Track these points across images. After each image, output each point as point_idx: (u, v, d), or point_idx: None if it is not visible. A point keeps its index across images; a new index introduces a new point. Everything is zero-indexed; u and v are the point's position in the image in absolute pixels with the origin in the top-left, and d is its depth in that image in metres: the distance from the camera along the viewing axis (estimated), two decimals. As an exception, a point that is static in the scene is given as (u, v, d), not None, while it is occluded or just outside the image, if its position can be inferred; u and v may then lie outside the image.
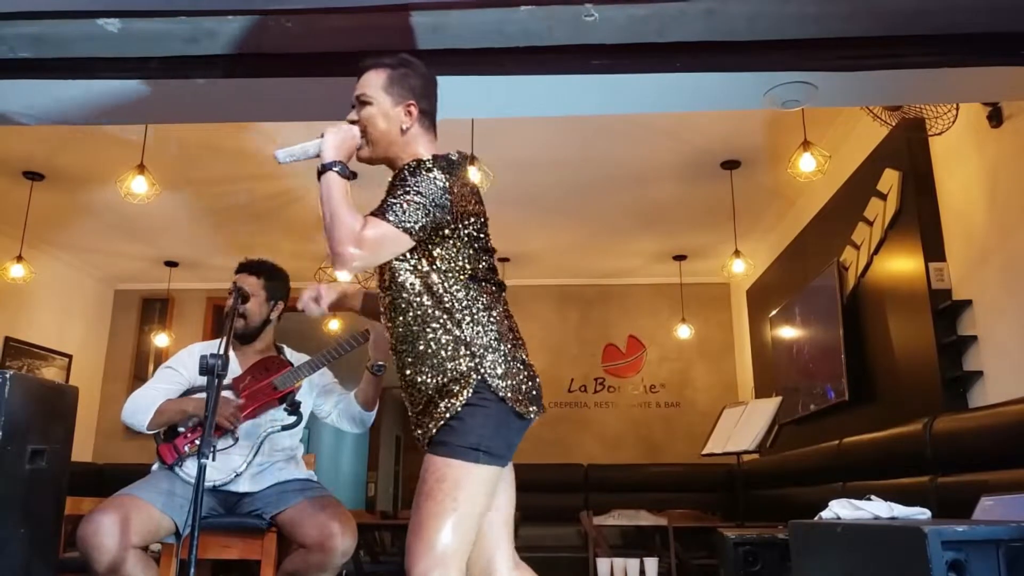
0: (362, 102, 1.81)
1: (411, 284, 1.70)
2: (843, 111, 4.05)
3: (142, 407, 2.57)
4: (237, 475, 2.55)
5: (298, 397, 2.70)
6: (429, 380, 1.68)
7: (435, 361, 1.67)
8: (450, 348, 1.66)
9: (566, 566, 4.83)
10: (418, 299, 1.70)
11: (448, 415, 1.63)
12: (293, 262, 6.22)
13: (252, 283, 2.76)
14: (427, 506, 1.56)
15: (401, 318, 1.72)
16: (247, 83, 2.57)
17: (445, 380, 1.66)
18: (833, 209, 4.58)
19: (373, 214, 1.66)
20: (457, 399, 1.63)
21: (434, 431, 1.64)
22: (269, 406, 2.64)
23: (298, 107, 2.78)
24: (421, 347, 1.69)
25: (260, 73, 2.49)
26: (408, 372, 1.72)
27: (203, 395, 2.58)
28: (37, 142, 4.48)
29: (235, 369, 2.67)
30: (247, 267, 2.82)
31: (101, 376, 7.08)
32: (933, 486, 2.79)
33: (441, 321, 1.68)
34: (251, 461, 2.57)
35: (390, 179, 1.81)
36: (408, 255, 1.70)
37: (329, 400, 2.81)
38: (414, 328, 1.70)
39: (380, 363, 2.66)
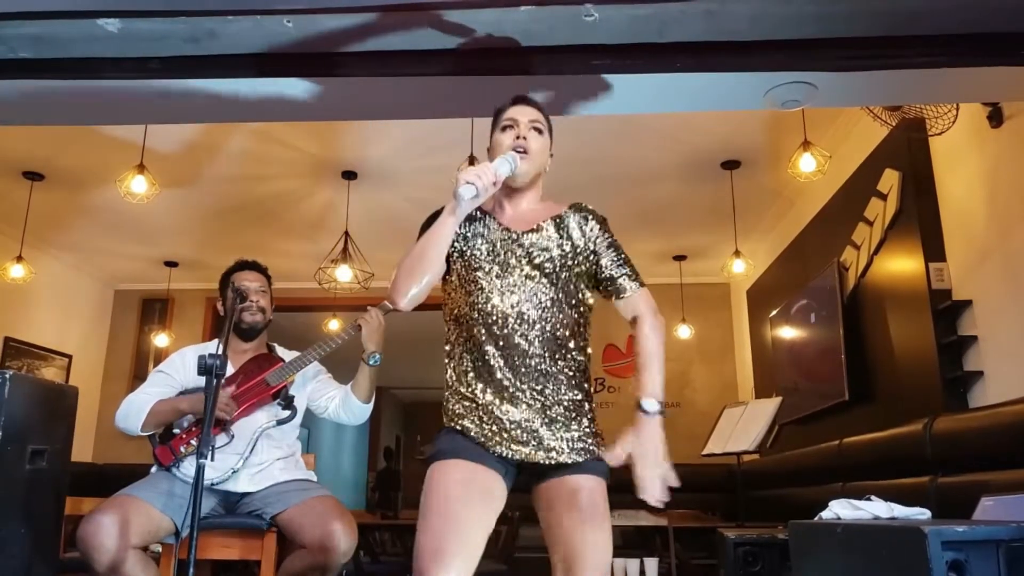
0: (539, 130, 1.87)
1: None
2: (843, 111, 4.06)
3: (135, 410, 2.57)
4: (234, 472, 2.55)
5: (292, 391, 2.70)
6: None
7: None
8: None
9: (566, 566, 4.81)
10: None
11: None
12: (293, 262, 6.28)
13: (261, 280, 2.79)
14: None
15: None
16: (247, 83, 2.57)
17: None
18: (833, 209, 4.58)
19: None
20: None
21: None
22: (263, 403, 2.65)
23: (298, 107, 2.78)
24: None
25: (260, 73, 2.50)
26: None
27: (197, 393, 2.58)
28: (37, 142, 4.48)
29: (228, 369, 2.67)
30: (251, 266, 2.82)
31: (101, 376, 7.08)
32: (933, 486, 2.79)
33: None
34: (247, 458, 2.57)
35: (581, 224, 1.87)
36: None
37: (325, 394, 2.81)
38: None
39: (375, 354, 2.66)
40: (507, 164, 1.75)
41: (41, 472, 2.43)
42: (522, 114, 1.87)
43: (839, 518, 2.13)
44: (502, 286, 1.77)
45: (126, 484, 2.48)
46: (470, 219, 1.83)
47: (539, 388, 1.73)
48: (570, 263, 1.82)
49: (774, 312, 5.47)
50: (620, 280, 1.86)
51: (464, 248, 1.83)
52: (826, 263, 4.53)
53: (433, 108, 2.88)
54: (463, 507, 1.60)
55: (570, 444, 1.73)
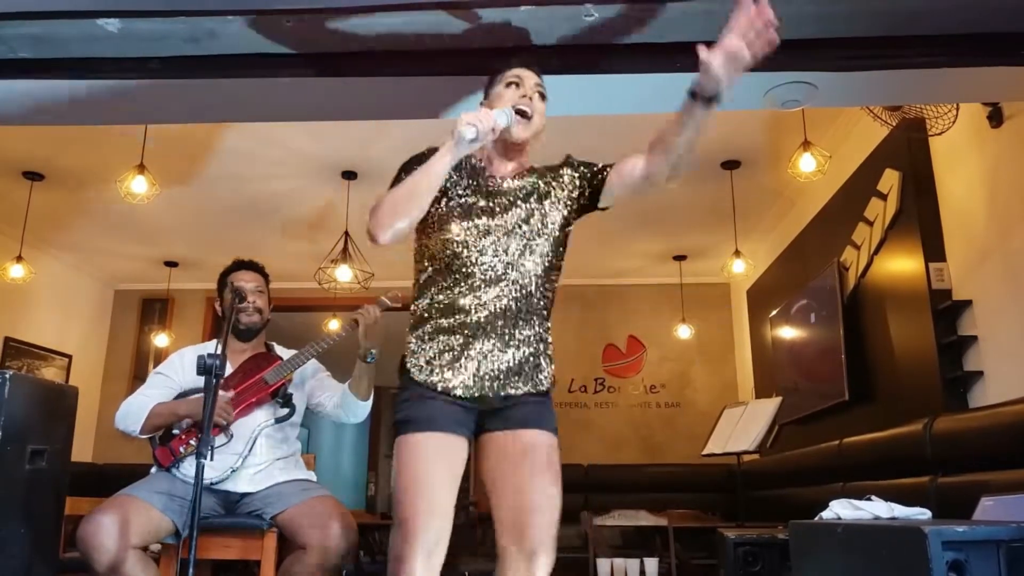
0: (543, 96, 1.90)
1: None
2: (843, 111, 4.05)
3: (134, 413, 2.57)
4: (233, 471, 2.55)
5: (290, 390, 2.70)
6: None
7: None
8: None
9: (566, 566, 4.79)
10: None
11: None
12: (293, 262, 6.28)
13: (259, 280, 2.78)
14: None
15: None
16: (247, 83, 2.57)
17: None
18: (833, 209, 4.58)
19: None
20: None
21: None
22: (262, 401, 2.64)
23: (299, 107, 2.78)
24: None
25: (260, 73, 2.49)
26: None
27: (195, 397, 2.58)
28: (37, 142, 4.48)
29: (226, 368, 2.67)
30: (249, 265, 2.82)
31: (101, 376, 7.08)
32: (933, 486, 2.79)
33: None
34: (246, 457, 2.57)
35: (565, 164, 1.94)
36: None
37: (324, 392, 2.81)
38: None
39: (371, 351, 2.66)
40: (505, 116, 1.77)
41: (41, 472, 2.43)
42: (528, 76, 1.90)
43: (839, 518, 2.13)
44: (482, 229, 1.80)
45: (126, 484, 2.48)
46: (456, 165, 1.83)
47: (512, 329, 1.77)
48: (549, 208, 1.87)
49: (774, 312, 5.47)
50: (598, 170, 1.90)
51: (448, 187, 1.84)
52: (826, 263, 4.53)
53: (433, 108, 2.88)
54: (437, 483, 1.67)
55: (535, 385, 1.79)
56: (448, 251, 1.80)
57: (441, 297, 1.79)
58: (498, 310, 1.77)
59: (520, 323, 1.79)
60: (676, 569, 4.32)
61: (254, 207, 5.44)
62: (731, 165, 4.72)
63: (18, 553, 2.30)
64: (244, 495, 2.59)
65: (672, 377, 6.91)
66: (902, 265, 3.68)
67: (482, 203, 1.84)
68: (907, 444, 3.06)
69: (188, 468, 2.52)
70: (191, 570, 1.86)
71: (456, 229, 1.80)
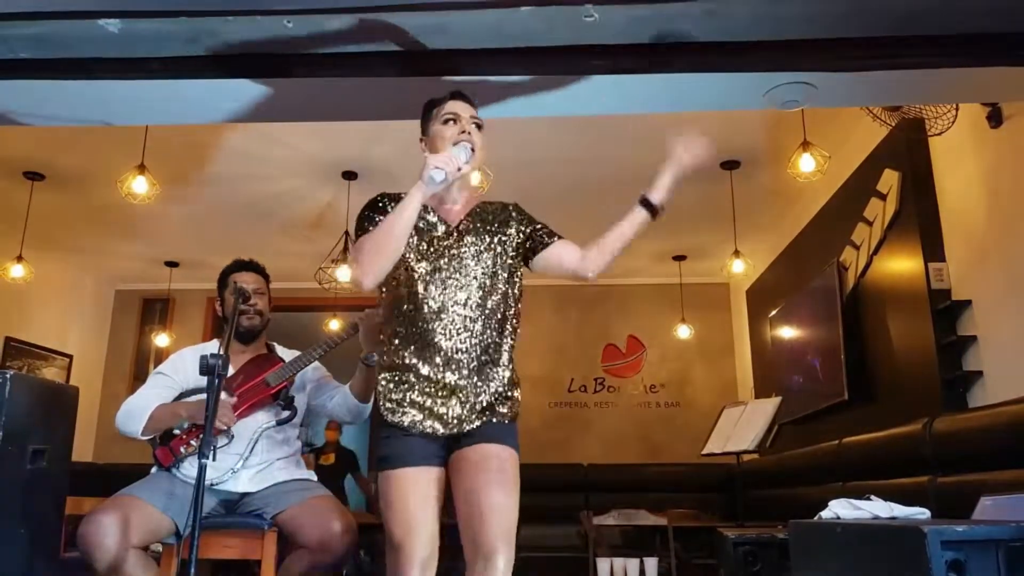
0: (479, 126, 1.99)
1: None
2: (843, 111, 4.05)
3: (135, 414, 2.56)
4: (233, 472, 2.55)
5: (291, 392, 2.69)
6: None
7: None
8: None
9: (566, 566, 4.82)
10: None
11: None
12: (293, 262, 6.28)
13: (260, 281, 2.78)
14: None
15: None
16: (247, 84, 2.57)
17: None
18: (833, 209, 4.58)
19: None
20: None
21: None
22: (263, 403, 2.64)
23: (299, 107, 2.79)
24: None
25: (260, 74, 2.50)
26: None
27: (195, 399, 2.58)
28: (37, 142, 4.48)
29: (228, 369, 2.67)
30: (250, 266, 2.81)
31: (101, 376, 7.08)
32: (933, 486, 2.79)
33: None
34: (247, 459, 2.57)
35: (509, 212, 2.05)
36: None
37: (324, 394, 2.81)
38: None
39: (372, 354, 2.66)
40: (464, 152, 1.87)
41: (41, 472, 2.43)
42: (463, 109, 1.98)
43: (839, 518, 2.13)
44: (440, 275, 1.90)
45: (126, 484, 2.48)
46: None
47: (474, 367, 1.87)
48: (501, 249, 1.97)
49: (774, 312, 5.47)
50: (537, 232, 2.02)
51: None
52: (826, 263, 4.53)
53: (433, 108, 2.87)
54: (420, 511, 1.81)
55: (502, 418, 1.91)
56: (411, 295, 1.89)
57: (407, 340, 1.89)
58: (467, 351, 1.87)
59: (488, 362, 1.89)
60: (676, 569, 4.33)
61: (254, 207, 5.44)
62: (731, 165, 4.72)
63: (18, 553, 2.31)
64: (244, 495, 2.59)
65: (672, 377, 6.91)
66: (901, 265, 3.68)
67: (437, 246, 1.93)
68: (906, 444, 3.06)
69: (188, 468, 2.52)
70: (191, 570, 1.86)
71: (418, 273, 1.90)
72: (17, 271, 5.18)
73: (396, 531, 1.80)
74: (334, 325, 6.34)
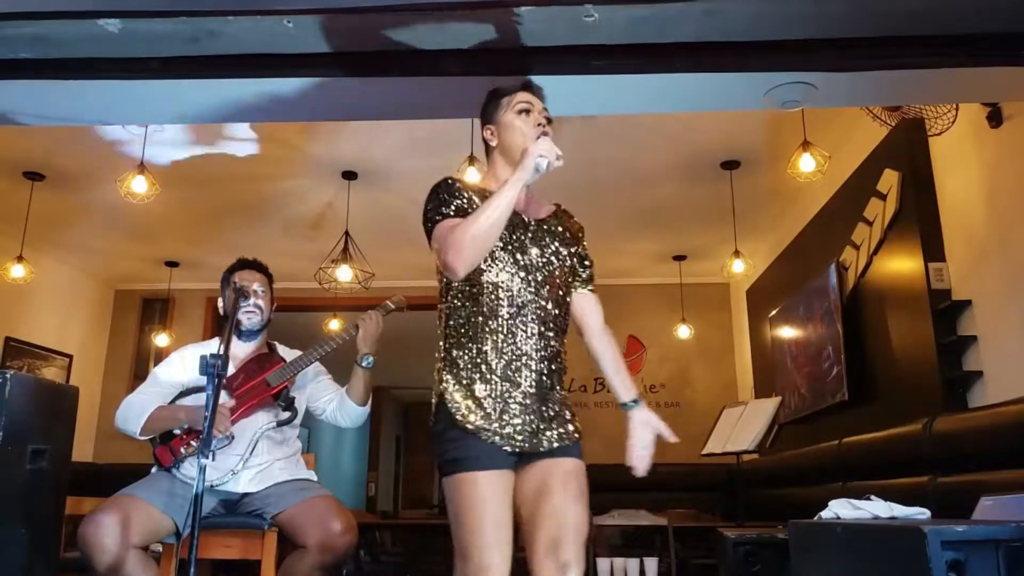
0: (548, 119, 1.95)
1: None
2: (843, 111, 4.05)
3: (135, 413, 2.56)
4: (233, 473, 2.55)
5: (292, 392, 2.69)
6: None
7: None
8: None
9: (566, 566, 4.81)
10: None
11: None
12: (293, 262, 6.27)
13: (261, 279, 2.77)
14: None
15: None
16: (248, 84, 2.57)
17: None
18: (833, 209, 4.58)
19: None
20: None
21: None
22: (264, 404, 2.64)
23: (298, 107, 2.78)
24: None
25: (260, 74, 2.49)
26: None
27: (195, 400, 2.58)
28: (37, 142, 4.48)
29: (228, 368, 2.67)
30: (252, 265, 2.81)
31: (101, 376, 7.08)
32: (933, 486, 2.79)
33: None
34: (247, 460, 2.57)
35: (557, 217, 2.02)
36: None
37: (324, 395, 2.81)
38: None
39: (368, 356, 2.66)
40: (555, 148, 1.83)
41: (41, 472, 2.43)
42: (535, 102, 1.96)
43: (839, 518, 2.13)
44: (518, 270, 1.85)
45: (126, 484, 2.47)
46: (483, 200, 1.83)
47: (544, 373, 1.85)
48: (568, 252, 1.97)
49: (774, 312, 5.47)
50: (588, 274, 2.04)
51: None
52: (826, 263, 4.53)
53: (433, 108, 2.88)
54: (500, 522, 1.73)
55: (564, 431, 1.92)
56: (489, 292, 1.83)
57: (480, 337, 1.83)
58: (538, 351, 1.85)
59: (556, 371, 1.92)
60: (676, 569, 4.33)
61: (254, 207, 5.44)
62: (731, 165, 4.72)
63: (18, 553, 2.31)
64: (244, 495, 2.59)
65: (672, 377, 6.91)
66: (901, 265, 3.68)
67: (524, 244, 1.89)
68: (907, 444, 3.06)
69: (188, 468, 2.52)
70: (191, 570, 1.86)
71: (499, 268, 1.84)
72: (17, 271, 5.17)
73: (486, 555, 1.67)
74: (334, 325, 6.34)
